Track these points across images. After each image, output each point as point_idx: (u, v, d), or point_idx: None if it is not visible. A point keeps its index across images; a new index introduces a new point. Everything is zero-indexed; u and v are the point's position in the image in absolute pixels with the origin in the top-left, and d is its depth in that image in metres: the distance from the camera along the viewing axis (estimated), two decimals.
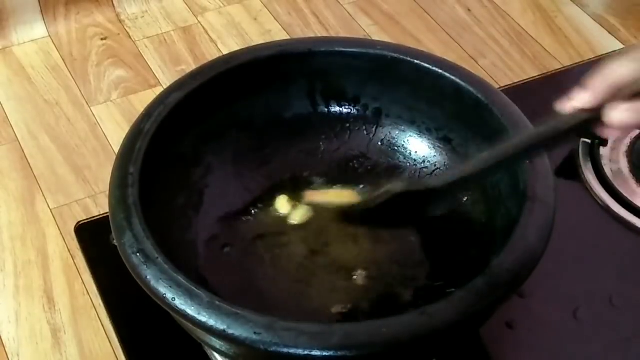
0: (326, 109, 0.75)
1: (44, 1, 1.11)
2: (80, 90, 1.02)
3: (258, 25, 1.11)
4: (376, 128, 0.74)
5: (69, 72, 1.04)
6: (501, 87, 0.88)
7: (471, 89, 0.68)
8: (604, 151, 0.81)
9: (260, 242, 0.70)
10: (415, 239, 0.70)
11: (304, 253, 0.69)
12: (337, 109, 0.75)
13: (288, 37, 1.08)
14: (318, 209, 0.71)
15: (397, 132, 0.74)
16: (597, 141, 0.81)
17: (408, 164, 0.73)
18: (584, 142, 0.82)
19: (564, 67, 1.03)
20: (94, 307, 0.79)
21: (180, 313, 0.54)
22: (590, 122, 0.52)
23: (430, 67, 0.69)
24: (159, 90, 0.98)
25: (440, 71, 0.69)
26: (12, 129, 0.97)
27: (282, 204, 0.71)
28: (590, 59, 1.04)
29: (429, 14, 1.13)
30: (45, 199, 0.89)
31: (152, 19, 1.12)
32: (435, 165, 0.72)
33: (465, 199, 0.70)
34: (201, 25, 1.11)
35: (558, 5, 1.14)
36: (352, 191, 0.71)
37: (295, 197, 0.72)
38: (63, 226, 0.86)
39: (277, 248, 0.69)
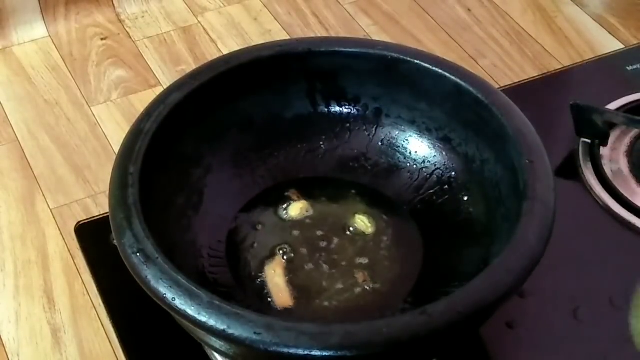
0: (326, 109, 0.75)
1: (44, 1, 1.11)
2: (80, 90, 1.02)
3: (258, 25, 1.11)
4: (376, 128, 0.74)
5: (69, 72, 1.04)
6: (501, 87, 0.88)
7: (471, 89, 0.67)
8: (604, 151, 0.81)
9: (263, 241, 0.70)
10: (415, 239, 0.70)
11: (303, 251, 0.69)
12: (337, 109, 0.75)
13: (288, 37, 1.08)
14: (316, 206, 0.72)
15: (397, 132, 0.74)
16: (597, 141, 0.81)
17: (408, 164, 0.73)
18: (584, 142, 0.82)
19: (564, 67, 1.03)
20: (94, 307, 0.79)
21: (180, 313, 0.54)
22: None
23: (430, 67, 0.69)
24: (159, 90, 0.98)
25: (440, 71, 0.69)
26: (12, 129, 0.97)
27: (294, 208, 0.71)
28: (590, 59, 1.04)
29: (429, 13, 1.13)
30: (45, 199, 0.89)
31: (152, 19, 1.12)
32: (435, 165, 0.72)
33: (465, 199, 0.70)
34: (201, 25, 1.11)
35: (558, 5, 1.14)
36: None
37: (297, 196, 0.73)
38: (63, 226, 0.86)
39: (278, 245, 0.70)
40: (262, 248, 0.69)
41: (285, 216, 0.71)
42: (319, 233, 0.70)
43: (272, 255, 0.69)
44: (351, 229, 0.70)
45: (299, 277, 0.68)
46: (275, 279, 0.68)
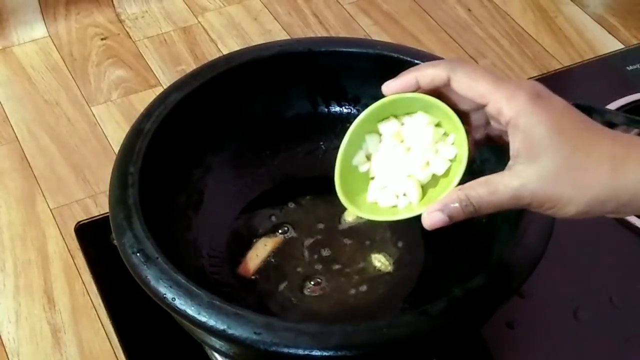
0: (326, 109, 0.75)
1: (44, 1, 1.11)
2: (80, 90, 1.02)
3: (258, 25, 1.11)
4: None
5: (69, 72, 1.04)
6: None
7: None
8: None
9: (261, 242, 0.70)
10: (415, 240, 0.70)
11: (306, 251, 0.69)
12: (337, 109, 0.75)
13: (288, 37, 1.08)
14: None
15: None
16: None
17: None
18: None
19: (564, 67, 1.03)
20: (94, 307, 0.79)
21: (180, 313, 0.54)
22: None
23: None
24: (159, 90, 0.98)
25: None
26: (12, 129, 0.97)
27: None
28: (590, 58, 1.04)
29: (429, 14, 1.13)
30: (45, 199, 0.89)
31: (152, 19, 1.12)
32: None
33: None
34: (201, 25, 1.11)
35: (558, 5, 1.14)
36: None
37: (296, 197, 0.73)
38: (63, 226, 0.86)
39: (279, 245, 0.70)
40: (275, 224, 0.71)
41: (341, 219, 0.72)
42: (347, 241, 0.71)
43: (274, 231, 0.70)
44: (369, 265, 0.70)
45: (281, 262, 0.69)
46: (259, 252, 0.68)
